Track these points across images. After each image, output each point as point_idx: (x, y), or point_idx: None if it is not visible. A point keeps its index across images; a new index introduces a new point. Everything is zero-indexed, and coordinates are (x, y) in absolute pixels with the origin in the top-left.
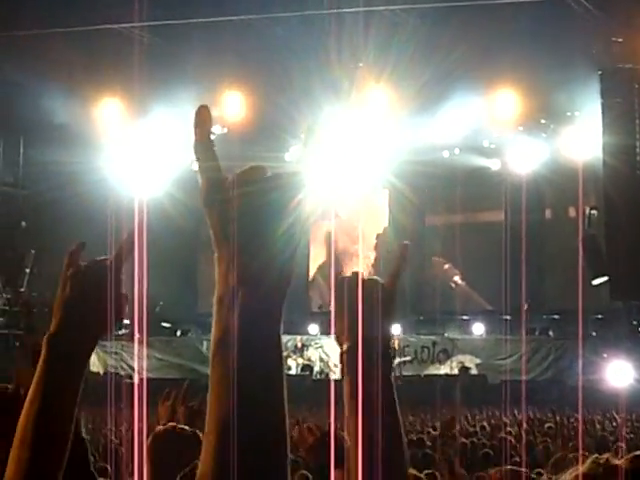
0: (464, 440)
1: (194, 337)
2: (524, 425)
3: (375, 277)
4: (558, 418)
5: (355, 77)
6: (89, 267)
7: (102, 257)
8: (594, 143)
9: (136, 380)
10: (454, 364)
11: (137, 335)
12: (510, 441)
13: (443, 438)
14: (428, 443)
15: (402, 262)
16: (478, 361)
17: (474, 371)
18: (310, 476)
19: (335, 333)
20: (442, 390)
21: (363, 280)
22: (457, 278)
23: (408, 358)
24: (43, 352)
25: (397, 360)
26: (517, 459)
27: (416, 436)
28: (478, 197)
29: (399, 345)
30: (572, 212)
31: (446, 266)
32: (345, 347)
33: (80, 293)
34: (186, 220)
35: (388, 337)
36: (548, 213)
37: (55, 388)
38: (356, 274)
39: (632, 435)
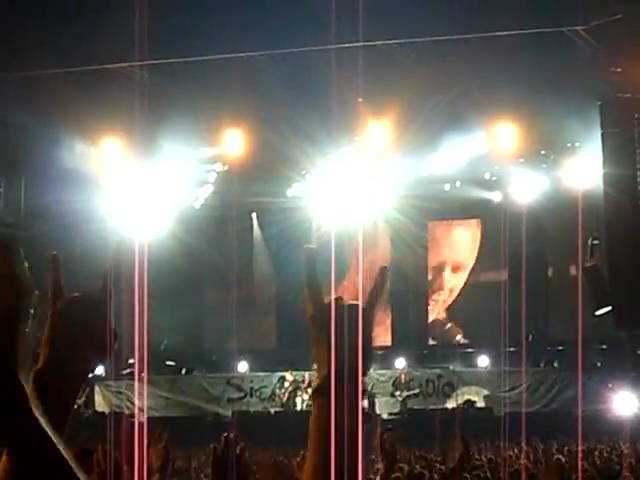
0: (469, 474)
1: (199, 375)
2: (528, 457)
3: (355, 302)
4: (566, 449)
5: (355, 113)
6: (76, 301)
7: (86, 290)
8: (595, 174)
9: (139, 419)
10: (459, 398)
11: (142, 374)
12: (518, 474)
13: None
14: (435, 477)
15: (381, 286)
16: (486, 392)
17: (481, 403)
18: None
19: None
20: (448, 424)
21: (344, 306)
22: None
23: (416, 391)
24: (29, 388)
25: (405, 394)
26: None
27: (421, 470)
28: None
29: (405, 379)
30: (574, 243)
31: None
32: (320, 378)
33: (66, 327)
34: (190, 259)
35: (367, 366)
36: (549, 245)
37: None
38: (337, 299)
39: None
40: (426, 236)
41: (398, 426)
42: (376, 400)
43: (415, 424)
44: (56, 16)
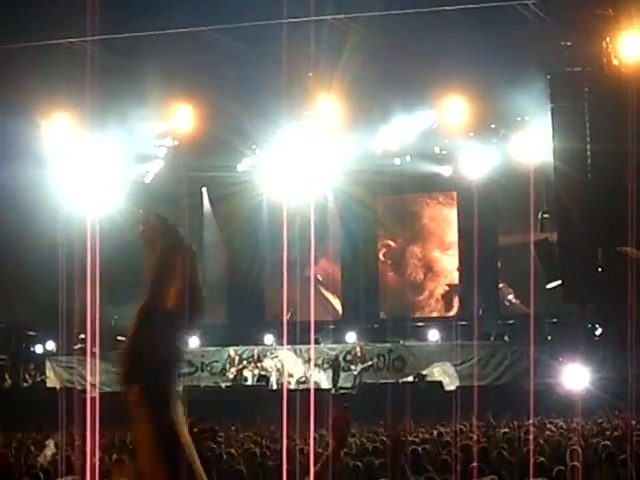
0: (419, 447)
1: None
2: (479, 431)
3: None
4: (515, 423)
5: (305, 87)
6: None
7: None
8: (545, 147)
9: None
10: (409, 372)
11: (93, 349)
12: (468, 447)
13: (396, 446)
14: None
15: (347, 429)
16: (437, 366)
17: (432, 377)
18: None
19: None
20: (398, 398)
21: None
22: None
23: (370, 363)
24: None
25: (360, 367)
26: (474, 465)
27: (372, 445)
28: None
29: (362, 352)
30: (524, 217)
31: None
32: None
33: None
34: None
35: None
36: (501, 217)
37: None
38: None
39: (588, 440)
40: (376, 210)
41: (348, 400)
42: (324, 375)
43: (366, 398)
44: None
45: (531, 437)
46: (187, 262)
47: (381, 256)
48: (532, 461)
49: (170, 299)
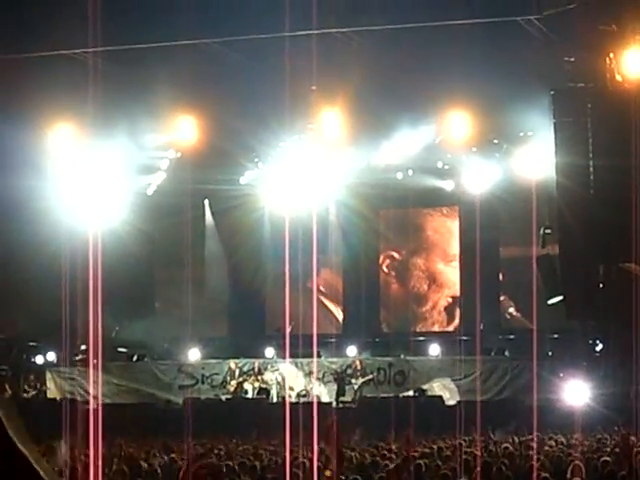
0: (420, 462)
1: (150, 362)
2: (479, 446)
3: None
4: (516, 439)
5: (308, 101)
6: None
7: None
8: (547, 163)
9: (93, 406)
10: (410, 386)
11: (94, 361)
12: (467, 462)
13: (399, 460)
14: (386, 463)
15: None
16: (437, 381)
17: (433, 392)
18: None
19: None
20: (398, 412)
21: None
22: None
23: (370, 377)
24: None
25: (360, 380)
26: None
27: (371, 459)
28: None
29: (361, 365)
30: (526, 232)
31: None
32: None
33: None
34: (142, 245)
35: None
36: (503, 232)
37: None
38: None
39: (588, 455)
40: (378, 225)
41: (349, 414)
42: (325, 388)
43: (366, 412)
44: (8, 1)
45: (534, 451)
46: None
47: (384, 268)
48: (535, 475)
49: None
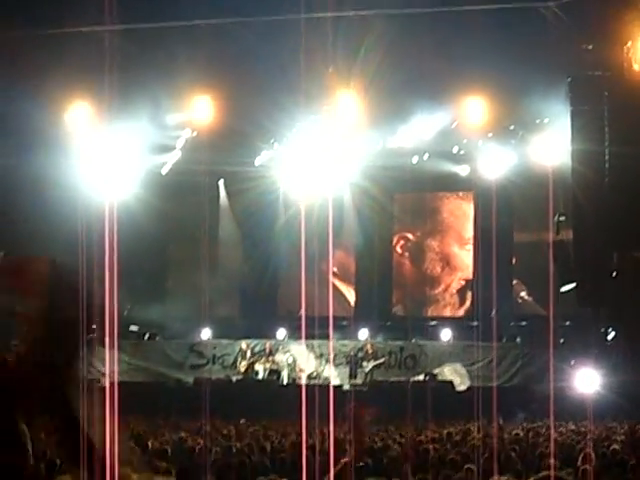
0: (430, 447)
1: (161, 341)
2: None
3: None
4: (526, 425)
5: (325, 82)
6: None
7: None
8: (563, 150)
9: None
10: (420, 371)
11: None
12: (477, 448)
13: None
14: (396, 448)
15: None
16: (448, 366)
17: (443, 377)
18: None
19: None
20: (408, 396)
21: None
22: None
23: (381, 360)
24: None
25: (372, 364)
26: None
27: (381, 443)
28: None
29: (373, 348)
30: (540, 218)
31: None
32: None
33: None
34: (154, 223)
35: None
36: (517, 218)
37: None
38: None
39: (598, 443)
40: (392, 208)
41: (360, 398)
42: (336, 371)
43: (376, 396)
44: None
45: (544, 438)
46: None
47: (398, 248)
48: (545, 462)
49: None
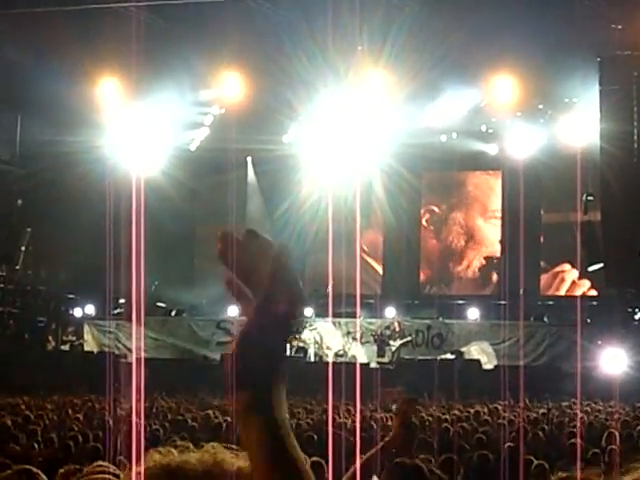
0: (455, 425)
1: (188, 317)
2: (515, 411)
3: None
4: (551, 404)
5: (353, 60)
6: None
7: None
8: (592, 130)
9: (132, 360)
10: (447, 350)
11: (133, 314)
12: (504, 427)
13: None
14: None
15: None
16: (475, 344)
17: (470, 355)
18: None
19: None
20: (435, 374)
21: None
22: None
23: (409, 338)
24: None
25: (398, 342)
26: (510, 445)
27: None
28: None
29: (400, 327)
30: (569, 197)
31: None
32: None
33: None
34: (182, 199)
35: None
36: (545, 197)
37: None
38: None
39: (624, 423)
40: (421, 186)
41: (386, 376)
42: (363, 349)
43: (403, 374)
44: None
45: (578, 418)
46: (279, 261)
47: (424, 222)
48: (579, 442)
49: (276, 301)
